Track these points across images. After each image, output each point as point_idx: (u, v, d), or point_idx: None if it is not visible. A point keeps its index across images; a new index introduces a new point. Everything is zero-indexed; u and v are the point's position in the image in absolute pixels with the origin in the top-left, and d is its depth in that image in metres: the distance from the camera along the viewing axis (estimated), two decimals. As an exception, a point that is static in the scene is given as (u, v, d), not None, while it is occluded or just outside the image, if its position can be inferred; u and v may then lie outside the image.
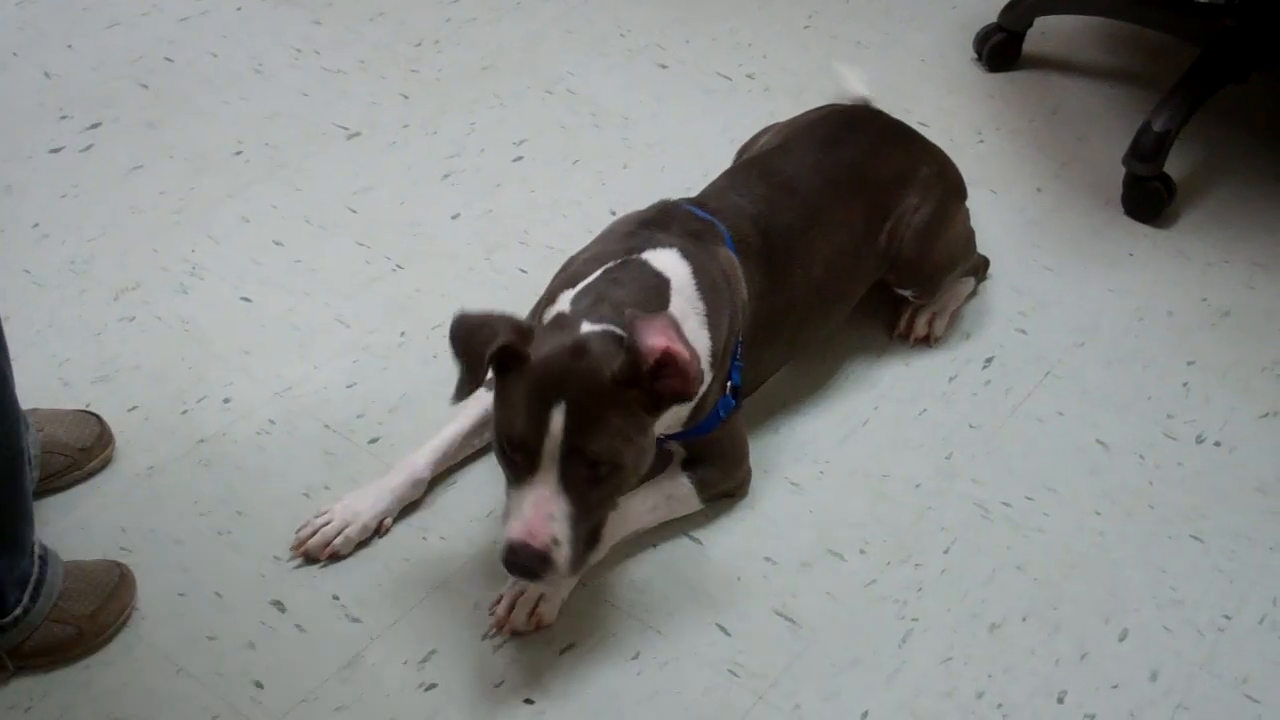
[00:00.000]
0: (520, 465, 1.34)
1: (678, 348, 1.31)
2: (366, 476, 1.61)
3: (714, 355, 1.50)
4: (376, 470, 1.62)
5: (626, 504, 1.52)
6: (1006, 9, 2.37)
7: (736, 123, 2.15)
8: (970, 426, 1.76)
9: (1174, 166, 2.10)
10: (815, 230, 1.67)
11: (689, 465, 1.60)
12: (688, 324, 1.45)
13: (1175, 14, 2.30)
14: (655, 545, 1.58)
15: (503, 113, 2.20)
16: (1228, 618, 1.56)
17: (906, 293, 1.82)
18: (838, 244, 1.70)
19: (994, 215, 2.08)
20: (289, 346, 1.79)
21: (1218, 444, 1.77)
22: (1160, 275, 2.01)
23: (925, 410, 1.78)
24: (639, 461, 1.39)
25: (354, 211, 1.99)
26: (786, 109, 2.04)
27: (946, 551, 1.61)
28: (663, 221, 1.58)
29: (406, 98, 2.21)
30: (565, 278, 1.52)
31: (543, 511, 1.32)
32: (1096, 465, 1.72)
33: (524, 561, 1.32)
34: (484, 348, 1.33)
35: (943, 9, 2.54)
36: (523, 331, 1.37)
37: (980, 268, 1.94)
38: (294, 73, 2.25)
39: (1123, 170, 2.10)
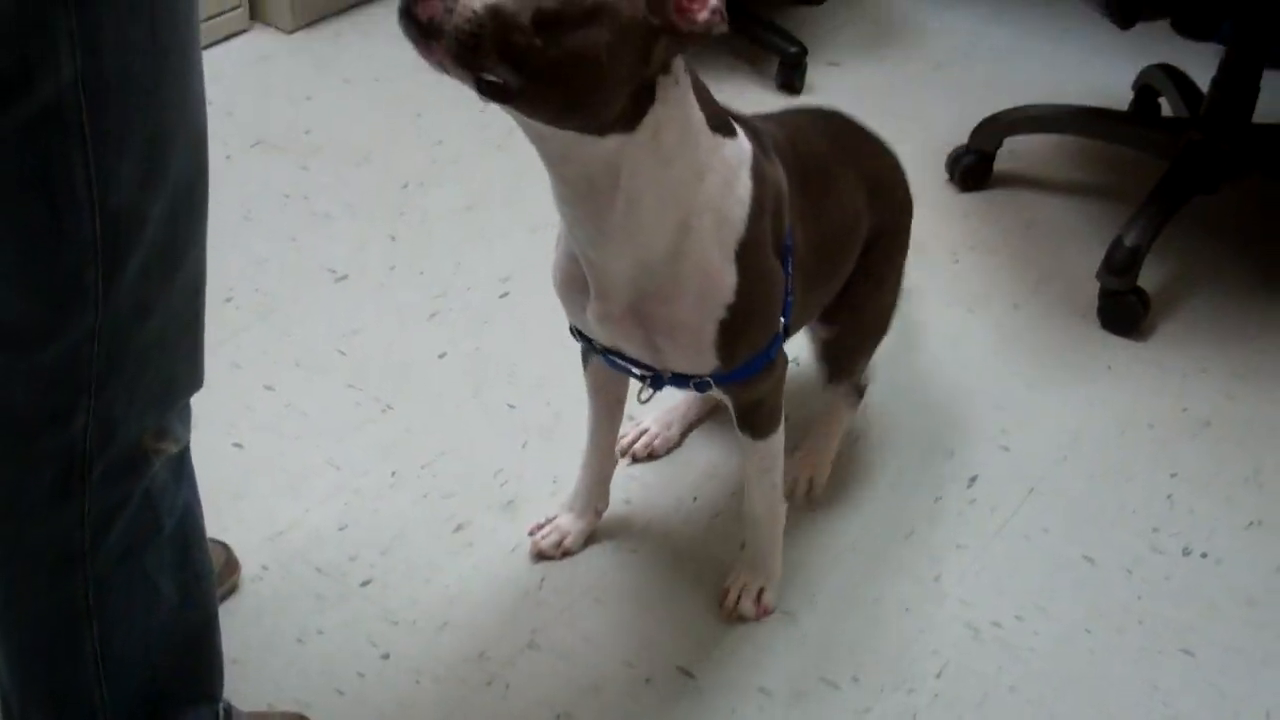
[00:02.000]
0: None
1: None
2: (359, 620, 1.62)
3: (742, 245, 1.36)
4: (370, 614, 1.63)
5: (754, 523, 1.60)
6: (976, 131, 2.42)
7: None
8: (958, 546, 1.78)
9: (1148, 279, 2.14)
10: (835, 174, 1.61)
11: (743, 424, 1.55)
12: (732, 182, 1.34)
13: (1142, 130, 2.37)
14: (647, 680, 1.59)
15: (488, 250, 2.25)
16: (1235, 738, 1.57)
17: (821, 343, 1.75)
18: (847, 205, 1.64)
19: (972, 334, 2.11)
20: (280, 491, 1.81)
21: (1204, 556, 1.78)
22: (1139, 388, 2.04)
23: (913, 532, 1.80)
24: (612, 28, 1.16)
25: (343, 354, 2.02)
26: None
27: (939, 675, 1.61)
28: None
29: (394, 239, 2.26)
30: None
31: None
32: (1084, 581, 1.74)
33: None
34: None
35: (914, 132, 2.59)
36: None
37: (862, 390, 1.87)
38: (283, 218, 2.30)
39: (1097, 284, 2.14)
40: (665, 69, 1.23)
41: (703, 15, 1.19)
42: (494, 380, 1.99)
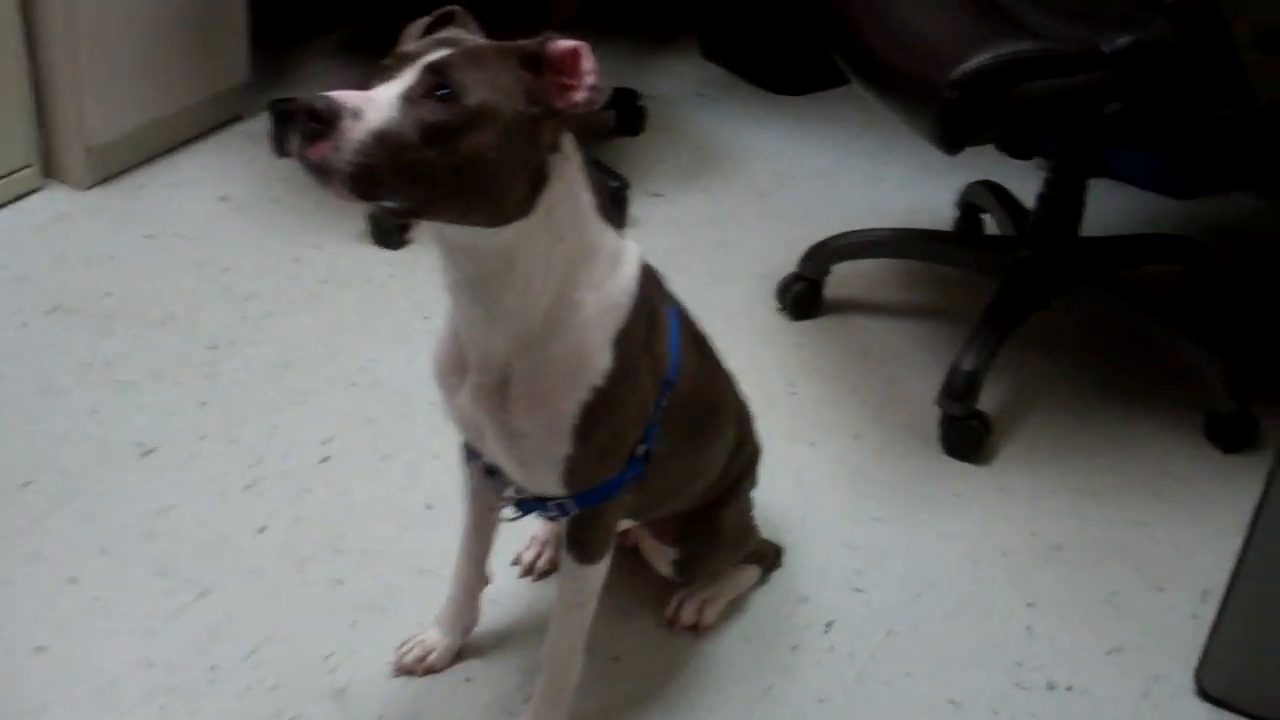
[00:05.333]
0: (387, 76, 1.21)
1: (587, 53, 1.23)
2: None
3: (622, 334, 1.37)
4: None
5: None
6: (805, 258, 2.39)
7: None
8: (819, 701, 1.69)
9: (987, 399, 2.11)
10: (718, 367, 1.63)
11: (573, 542, 1.50)
12: (619, 270, 1.37)
13: (970, 250, 2.37)
14: None
15: (305, 411, 2.12)
16: None
17: (667, 565, 1.71)
18: (727, 399, 1.65)
19: (815, 468, 2.06)
20: (88, 698, 1.64)
21: (1069, 689, 1.73)
22: (988, 514, 2.00)
23: (770, 687, 1.71)
24: (498, 126, 1.20)
25: (153, 536, 1.87)
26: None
27: (811, 846, 1.52)
28: None
29: (204, 405, 2.12)
30: None
31: (369, 94, 1.18)
32: (952, 728, 1.67)
33: (304, 103, 1.14)
34: (418, 24, 1.30)
35: (742, 261, 2.56)
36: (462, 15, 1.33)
37: (768, 555, 1.85)
38: (83, 389, 2.14)
39: (937, 410, 2.11)
40: (555, 148, 1.27)
41: (581, 96, 1.23)
42: (319, 554, 1.86)
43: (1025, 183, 2.42)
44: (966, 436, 2.08)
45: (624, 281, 1.38)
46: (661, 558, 1.71)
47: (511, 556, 1.84)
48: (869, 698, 1.70)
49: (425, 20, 1.33)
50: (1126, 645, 1.79)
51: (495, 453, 1.45)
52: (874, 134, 3.06)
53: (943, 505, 2.01)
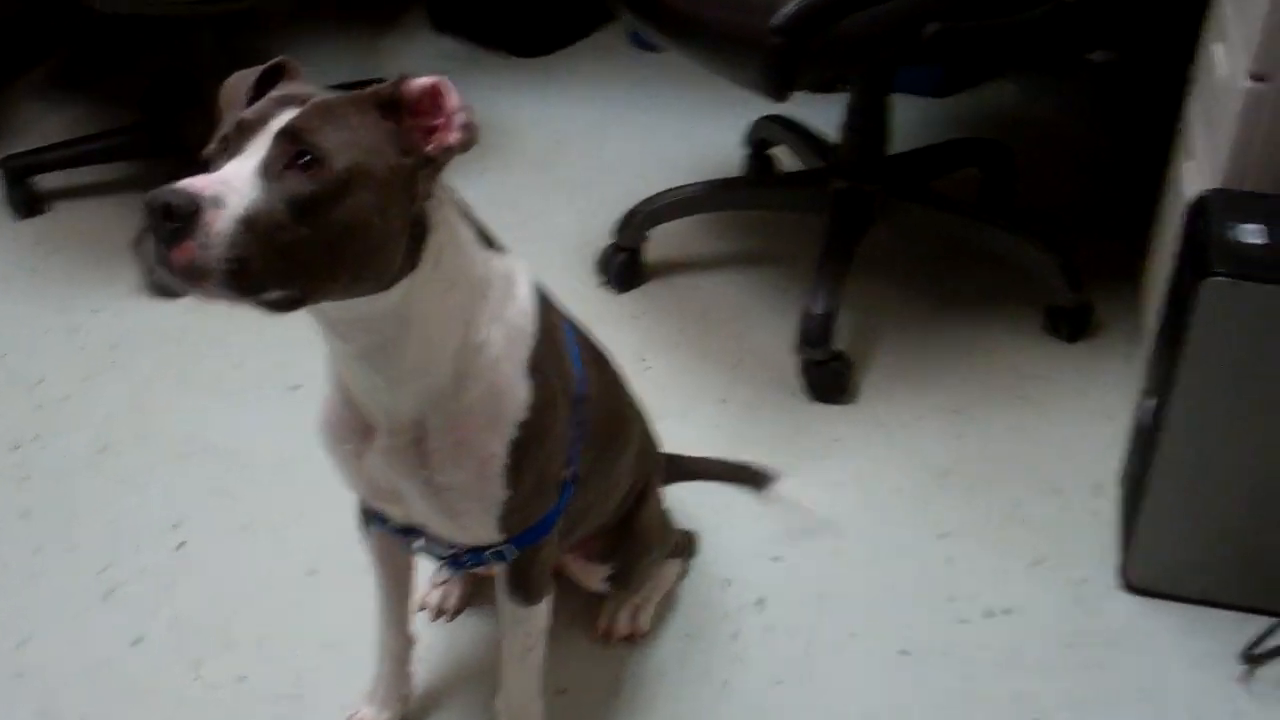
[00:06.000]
0: (230, 149, 1.07)
1: (449, 89, 1.11)
2: None
3: (533, 358, 1.28)
4: None
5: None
6: (619, 229, 2.32)
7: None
8: (777, 683, 1.65)
9: (838, 336, 2.08)
10: (613, 371, 1.55)
11: (515, 586, 1.41)
12: (512, 296, 1.26)
13: (785, 191, 2.33)
14: None
15: (142, 496, 1.94)
16: (1104, 796, 1.52)
17: (600, 582, 1.64)
18: (630, 405, 1.58)
19: (692, 441, 1.97)
20: None
21: (1007, 612, 1.73)
22: (871, 453, 1.98)
23: (726, 681, 1.65)
24: (373, 187, 1.07)
25: (21, 675, 1.67)
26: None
27: (821, 837, 1.48)
28: None
29: (27, 515, 1.91)
30: None
31: (222, 175, 1.04)
32: (912, 679, 1.65)
33: (166, 196, 1.00)
34: (244, 87, 1.16)
35: (546, 240, 2.47)
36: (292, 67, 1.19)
37: (686, 545, 1.79)
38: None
39: (794, 357, 2.08)
40: (429, 194, 1.15)
41: (454, 137, 1.11)
42: (209, 653, 1.70)
43: (799, 112, 2.40)
44: (831, 379, 2.06)
45: (522, 304, 1.28)
46: (593, 576, 1.63)
47: (415, 604, 1.72)
48: (823, 668, 1.67)
49: (250, 75, 1.18)
50: (1044, 555, 1.81)
51: (419, 512, 1.34)
52: (630, 85, 3.00)
53: (826, 453, 1.99)
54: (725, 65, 1.91)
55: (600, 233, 2.43)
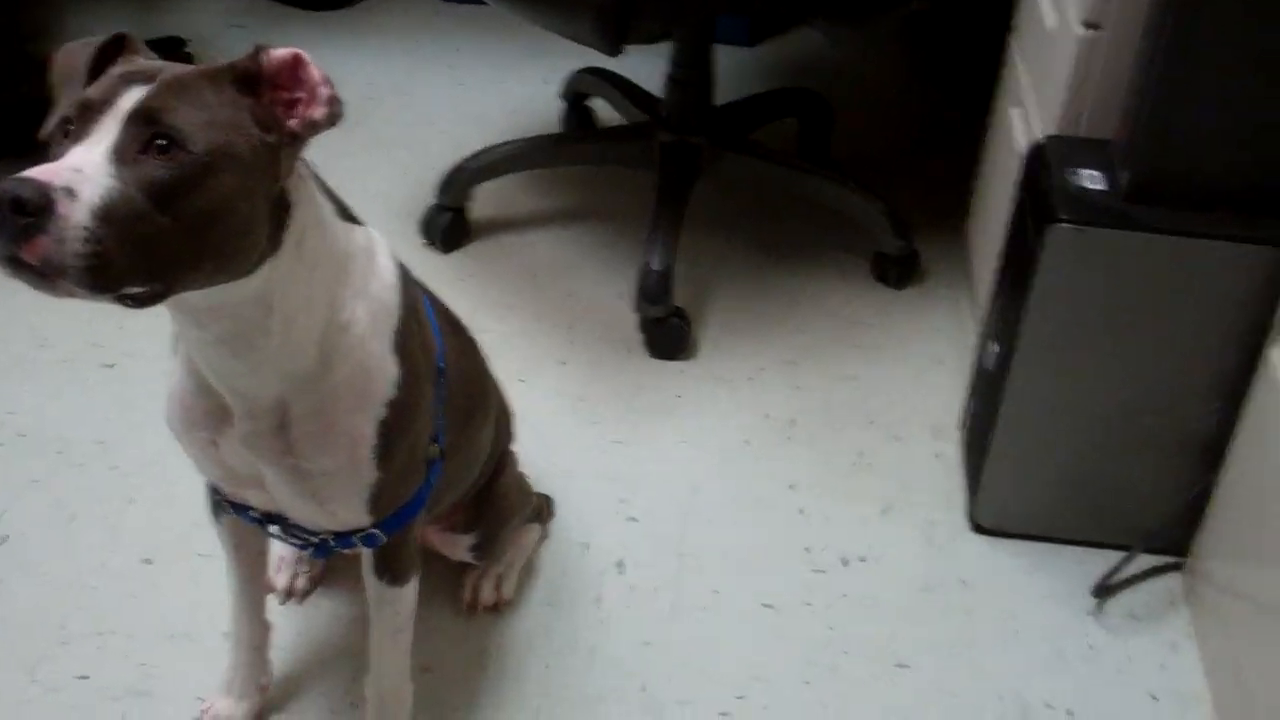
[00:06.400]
0: (74, 132, 0.99)
1: (310, 61, 1.05)
2: None
3: (398, 333, 1.22)
4: None
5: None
6: (443, 188, 2.26)
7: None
8: (644, 644, 1.64)
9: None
10: (466, 332, 1.51)
11: (383, 567, 1.36)
12: (374, 268, 1.20)
13: (610, 145, 2.30)
14: None
15: (-48, 489, 1.81)
16: (973, 734, 1.55)
17: (465, 552, 1.60)
18: (483, 367, 1.53)
19: (537, 405, 1.96)
20: None
21: (863, 559, 1.76)
22: (715, 407, 1.98)
23: (594, 647, 1.63)
24: (236, 169, 1.00)
25: None
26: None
27: (705, 798, 1.48)
28: None
29: None
30: None
31: (70, 163, 0.95)
32: (777, 630, 1.66)
33: (13, 188, 0.91)
34: (80, 57, 1.06)
35: (367, 202, 2.37)
36: (133, 40, 1.09)
37: (544, 509, 1.76)
38: None
39: (632, 314, 2.06)
40: (291, 172, 1.08)
41: (319, 111, 1.05)
42: (46, 653, 1.60)
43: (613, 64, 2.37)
44: (672, 336, 2.05)
45: (385, 277, 1.23)
46: (457, 547, 1.59)
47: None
48: (689, 627, 1.66)
49: (86, 48, 1.07)
50: (893, 501, 1.84)
51: (281, 500, 1.27)
52: (435, 37, 2.93)
53: (670, 410, 1.98)
54: (556, 19, 1.86)
55: (420, 191, 2.36)
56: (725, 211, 2.37)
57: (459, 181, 2.25)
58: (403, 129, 2.61)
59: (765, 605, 1.69)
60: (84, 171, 0.94)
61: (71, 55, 1.08)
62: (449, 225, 2.25)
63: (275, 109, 1.04)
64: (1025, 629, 1.67)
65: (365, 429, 1.21)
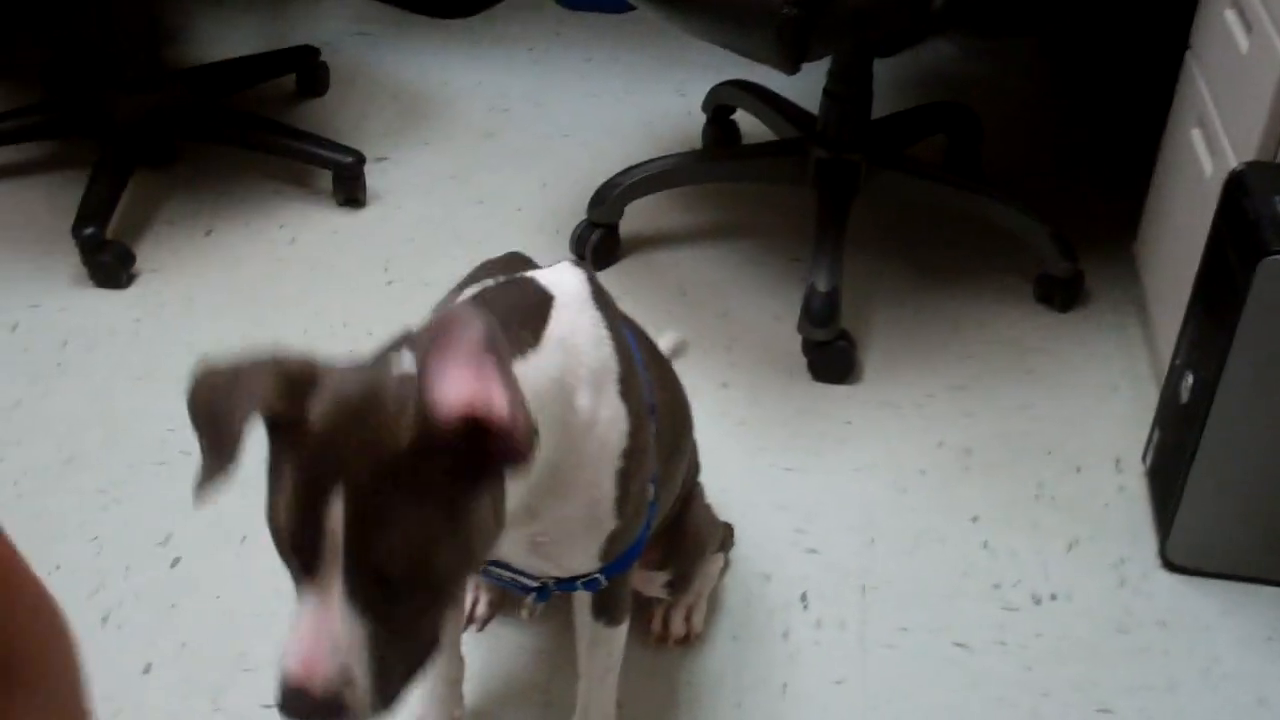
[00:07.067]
0: (296, 566, 0.97)
1: (486, 397, 0.91)
2: None
3: (622, 381, 1.18)
4: None
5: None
6: (594, 204, 2.22)
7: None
8: (837, 684, 1.59)
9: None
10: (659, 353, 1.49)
11: (601, 608, 1.35)
12: (578, 337, 1.14)
13: (766, 161, 2.26)
14: None
15: (122, 511, 1.78)
16: (1183, 784, 1.50)
17: (660, 589, 1.56)
18: (679, 387, 1.50)
19: (701, 430, 1.91)
20: None
21: (1054, 597, 1.70)
22: (887, 434, 1.93)
23: (785, 684, 1.59)
24: (461, 561, 0.99)
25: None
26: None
27: (917, 847, 1.43)
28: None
29: None
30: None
31: (324, 638, 0.94)
32: (972, 675, 1.61)
33: (305, 711, 0.94)
34: (233, 418, 0.95)
35: (511, 217, 2.36)
36: (295, 381, 0.96)
37: (726, 537, 1.70)
38: None
39: (792, 335, 2.01)
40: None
41: (521, 451, 0.94)
42: (227, 678, 1.57)
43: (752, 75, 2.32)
44: (838, 360, 2.00)
45: (593, 329, 1.17)
46: (652, 583, 1.55)
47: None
48: (880, 666, 1.61)
49: (237, 406, 0.96)
50: (1078, 537, 1.78)
51: (513, 556, 1.24)
52: (563, 47, 2.89)
53: (841, 437, 1.93)
54: (730, 34, 1.82)
55: (561, 205, 2.33)
56: (880, 230, 2.32)
57: (611, 198, 2.21)
58: (538, 141, 2.57)
59: (958, 645, 1.64)
60: (340, 642, 0.95)
61: (213, 403, 0.99)
62: (600, 242, 2.22)
63: (467, 454, 0.94)
64: (1227, 674, 1.61)
65: (605, 483, 1.18)
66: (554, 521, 1.18)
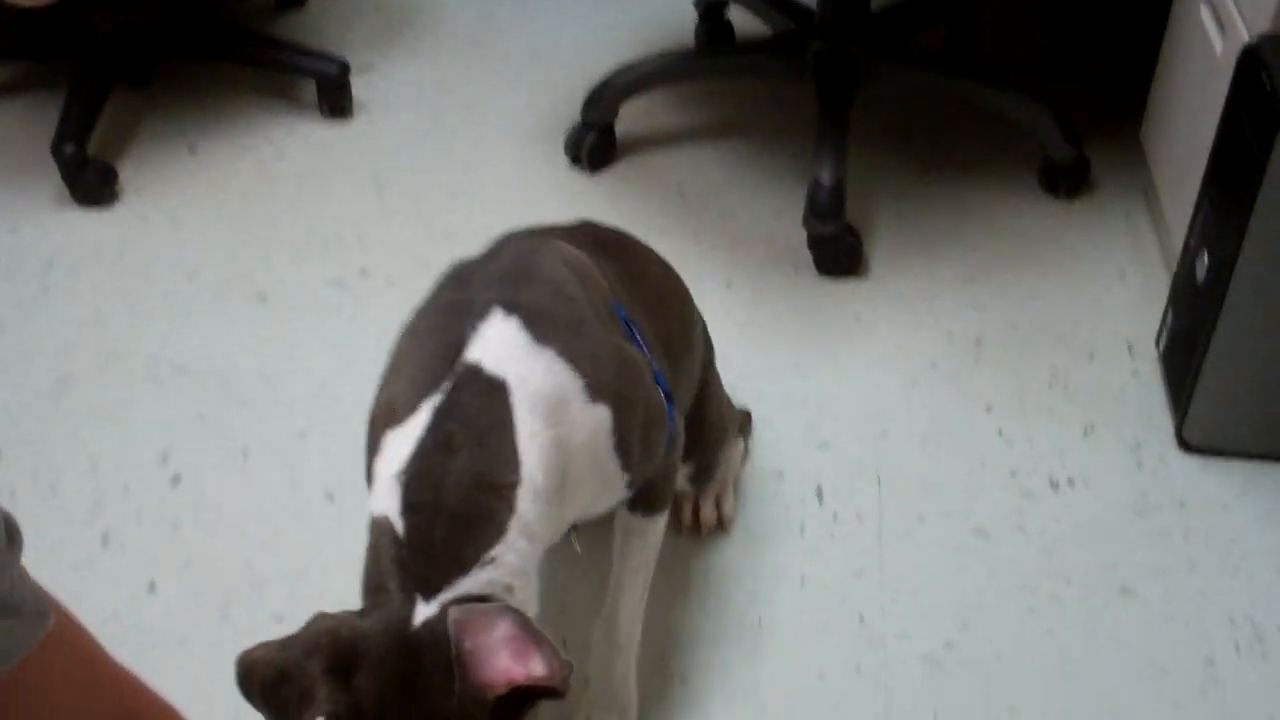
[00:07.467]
0: None
1: (526, 671, 0.99)
2: None
3: (587, 378, 1.19)
4: None
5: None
6: (589, 105, 2.16)
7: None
8: (856, 576, 1.57)
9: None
10: (642, 255, 1.52)
11: (638, 499, 1.34)
12: (540, 391, 1.15)
13: (762, 57, 2.20)
14: None
15: (119, 429, 1.75)
16: (1210, 661, 1.48)
17: (684, 482, 1.55)
18: (666, 279, 1.53)
19: (711, 330, 1.88)
20: None
21: (1071, 483, 1.68)
22: (896, 327, 1.90)
23: (803, 577, 1.57)
24: None
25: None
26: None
27: (942, 729, 1.42)
28: (465, 278, 1.25)
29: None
30: (385, 411, 1.17)
31: None
32: (991, 558, 1.58)
33: None
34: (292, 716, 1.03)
35: (503, 122, 2.30)
36: (339, 669, 1.04)
37: (745, 423, 1.69)
38: None
39: (795, 231, 1.97)
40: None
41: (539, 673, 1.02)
42: (236, 594, 1.54)
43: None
44: (844, 253, 1.96)
45: (544, 373, 1.16)
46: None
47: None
48: (899, 555, 1.59)
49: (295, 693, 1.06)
50: (1094, 422, 1.75)
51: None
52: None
53: (851, 332, 1.89)
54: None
55: (556, 110, 2.28)
56: (881, 125, 2.27)
57: (605, 98, 2.15)
58: (527, 47, 2.51)
59: (976, 531, 1.62)
60: None
61: (268, 702, 1.06)
62: (596, 143, 2.16)
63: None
64: (1247, 552, 1.59)
65: (607, 464, 1.21)
66: (578, 507, 1.21)
